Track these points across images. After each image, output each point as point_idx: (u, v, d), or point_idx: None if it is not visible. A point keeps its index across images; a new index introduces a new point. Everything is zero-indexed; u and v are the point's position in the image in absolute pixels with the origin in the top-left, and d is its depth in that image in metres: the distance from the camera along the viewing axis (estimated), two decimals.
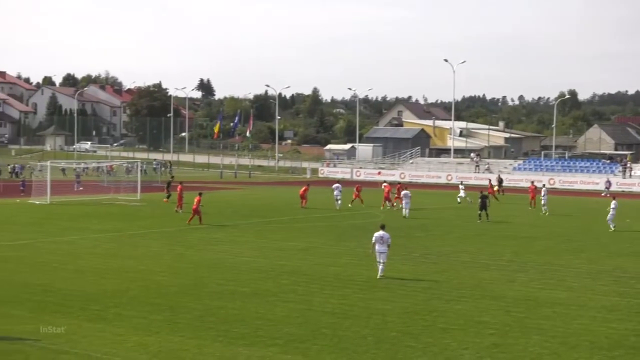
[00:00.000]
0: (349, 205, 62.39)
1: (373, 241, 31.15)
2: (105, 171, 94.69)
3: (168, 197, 63.67)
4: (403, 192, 58.07)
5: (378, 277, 30.74)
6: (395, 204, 61.96)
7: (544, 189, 63.63)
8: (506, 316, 24.67)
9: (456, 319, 24.14)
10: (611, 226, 49.19)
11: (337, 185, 63.37)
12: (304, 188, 62.60)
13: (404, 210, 56.45)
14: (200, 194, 50.73)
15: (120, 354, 19.85)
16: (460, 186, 68.69)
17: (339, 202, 61.24)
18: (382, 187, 65.39)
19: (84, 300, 25.90)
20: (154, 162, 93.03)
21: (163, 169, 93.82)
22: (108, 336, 21.46)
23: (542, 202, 61.10)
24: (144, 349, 20.28)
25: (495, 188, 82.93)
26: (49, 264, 33.27)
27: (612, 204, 49.68)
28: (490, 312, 25.24)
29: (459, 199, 66.87)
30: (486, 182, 77.51)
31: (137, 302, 25.87)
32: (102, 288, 28.09)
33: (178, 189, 57.25)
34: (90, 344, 20.69)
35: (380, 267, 30.91)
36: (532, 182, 69.06)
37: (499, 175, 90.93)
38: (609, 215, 49.66)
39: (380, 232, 30.94)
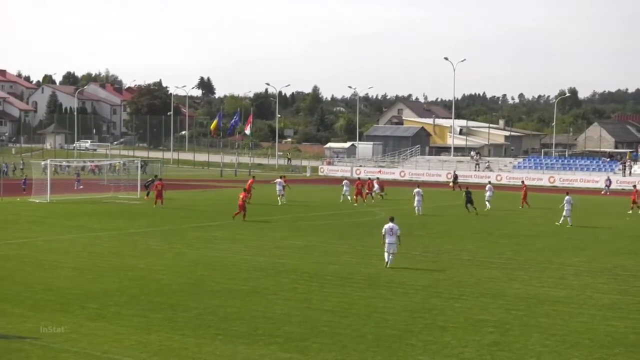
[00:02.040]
0: (354, 204, 62.76)
1: (383, 233, 32.75)
2: (89, 170, 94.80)
3: (147, 194, 64.40)
4: (415, 190, 57.97)
5: (387, 266, 32.53)
6: (367, 199, 64.98)
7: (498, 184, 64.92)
8: (506, 314, 24.67)
9: (456, 317, 24.15)
10: (566, 222, 50.20)
11: (346, 182, 67.73)
12: (250, 181, 63.47)
13: (416, 209, 56.44)
14: (244, 190, 53.19)
15: (120, 352, 19.86)
16: (488, 186, 66.68)
17: (348, 196, 64.37)
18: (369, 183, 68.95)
19: (84, 299, 25.91)
20: (135, 161, 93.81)
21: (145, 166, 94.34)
22: (108, 334, 21.46)
23: (487, 195, 62.51)
24: (143, 348, 20.28)
25: (450, 184, 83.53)
26: (49, 262, 33.28)
27: (566, 199, 50.76)
28: (490, 310, 25.24)
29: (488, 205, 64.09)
30: (487, 180, 77.43)
31: (137, 300, 25.87)
32: (102, 286, 28.10)
33: (157, 185, 60.12)
34: (90, 342, 20.69)
35: (390, 257, 32.64)
36: (523, 181, 69.06)
37: (454, 172, 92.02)
38: (565, 211, 50.57)
39: (390, 224, 32.56)
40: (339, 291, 27.91)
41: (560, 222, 50.50)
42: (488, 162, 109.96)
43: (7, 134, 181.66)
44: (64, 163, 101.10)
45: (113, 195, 66.33)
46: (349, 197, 65.27)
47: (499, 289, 28.90)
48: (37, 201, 61.59)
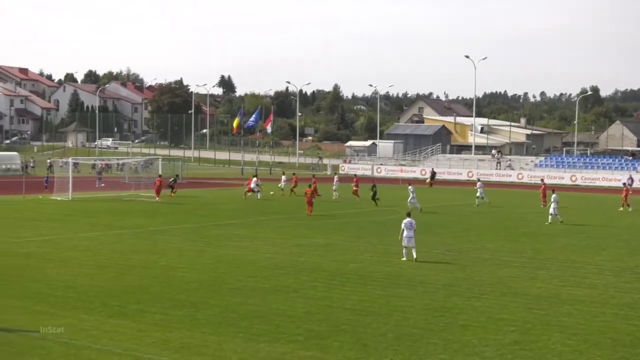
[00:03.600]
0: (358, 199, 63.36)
1: (402, 227, 34.18)
2: (98, 168, 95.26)
3: (173, 192, 66.02)
4: (409, 188, 58.59)
5: (412, 259, 33.77)
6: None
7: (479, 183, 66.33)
8: (527, 313, 24.57)
9: (477, 316, 24.08)
10: (556, 219, 50.18)
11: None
12: (313, 180, 63.90)
13: (412, 205, 56.51)
14: (310, 186, 55.73)
15: (142, 349, 19.91)
16: (479, 183, 67.10)
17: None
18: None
19: (105, 296, 26.01)
20: (142, 160, 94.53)
21: (151, 166, 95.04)
22: (129, 332, 21.53)
23: (478, 193, 63.80)
24: (165, 345, 20.33)
25: (427, 181, 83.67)
26: (70, 259, 33.43)
27: (553, 197, 50.93)
28: (511, 309, 25.15)
29: (477, 202, 64.55)
30: (508, 179, 77.16)
31: (158, 298, 25.95)
32: (123, 284, 28.20)
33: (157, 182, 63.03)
34: (111, 339, 20.77)
35: (413, 251, 34.03)
36: (543, 180, 68.86)
37: (433, 169, 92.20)
38: (551, 209, 50.65)
39: (408, 219, 34.16)
40: (360, 289, 27.88)
41: (550, 221, 50.14)
42: (509, 160, 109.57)
43: (29, 132, 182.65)
44: (70, 161, 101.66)
45: (134, 193, 66.52)
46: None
47: (520, 287, 28.79)
48: (59, 199, 61.87)
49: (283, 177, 73.07)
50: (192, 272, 30.73)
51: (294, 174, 71.74)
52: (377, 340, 21.13)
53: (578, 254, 37.65)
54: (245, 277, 29.94)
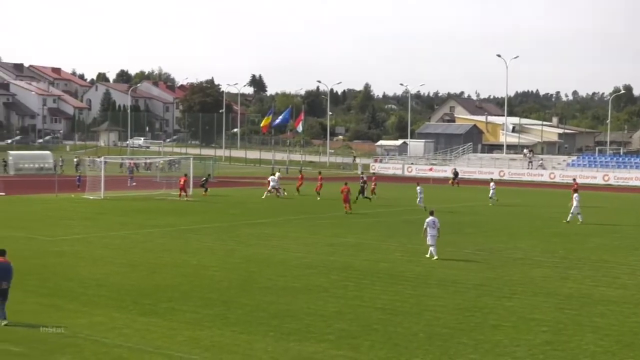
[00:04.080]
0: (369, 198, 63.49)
1: (425, 226, 34.48)
2: (127, 167, 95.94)
3: (205, 191, 66.41)
4: (417, 188, 58.71)
5: (433, 257, 34.11)
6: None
7: (492, 183, 65.54)
8: (559, 313, 24.42)
9: (508, 316, 23.96)
10: (577, 219, 49.74)
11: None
12: (370, 178, 65.59)
13: (420, 204, 57.06)
14: (346, 184, 55.94)
15: (173, 348, 19.99)
16: (492, 184, 65.98)
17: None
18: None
19: (136, 295, 26.14)
20: (168, 160, 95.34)
21: (177, 165, 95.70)
22: (160, 330, 21.63)
23: (491, 193, 63.44)
24: (195, 344, 20.40)
25: (450, 181, 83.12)
26: (102, 258, 33.63)
27: (575, 196, 50.43)
28: (542, 309, 25.00)
29: (491, 202, 63.72)
30: (540, 179, 76.59)
31: (189, 296, 26.04)
32: (154, 283, 28.34)
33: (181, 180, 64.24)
34: (142, 337, 20.87)
35: (432, 249, 34.33)
36: (574, 179, 68.40)
37: (455, 169, 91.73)
38: (573, 207, 50.12)
39: (432, 218, 34.39)
40: (391, 289, 27.85)
41: (569, 219, 49.72)
42: (541, 160, 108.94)
43: (61, 132, 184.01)
44: (100, 159, 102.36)
45: (165, 192, 66.80)
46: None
47: (552, 287, 28.62)
48: (91, 198, 62.26)
49: (274, 176, 71.86)
50: (222, 271, 30.82)
51: (319, 172, 71.67)
52: (408, 339, 21.09)
53: (610, 254, 37.37)
54: (276, 276, 29.98)
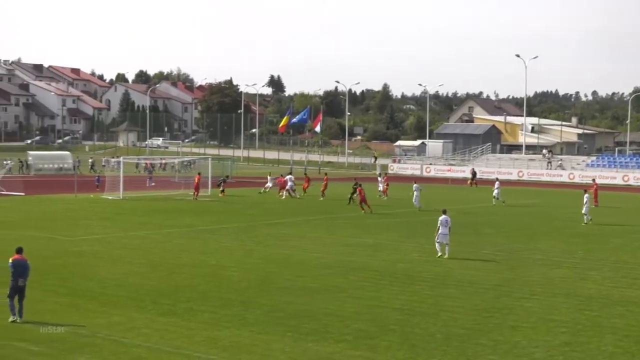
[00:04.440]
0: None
1: (438, 225, 35.08)
2: (144, 168, 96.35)
3: (222, 191, 66.67)
4: (414, 186, 59.08)
5: (444, 256, 34.51)
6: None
7: (497, 182, 65.21)
8: (578, 314, 24.34)
9: (527, 316, 23.91)
10: (585, 219, 49.59)
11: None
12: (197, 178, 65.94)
13: (415, 203, 57.55)
14: (360, 185, 56.72)
15: (191, 348, 20.05)
16: (497, 184, 65.37)
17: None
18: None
19: (155, 295, 26.23)
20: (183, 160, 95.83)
21: (191, 165, 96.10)
22: (179, 330, 21.70)
23: (495, 193, 63.14)
24: (214, 344, 20.45)
25: (469, 181, 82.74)
26: (121, 258, 33.76)
27: (585, 196, 50.29)
28: (562, 310, 24.93)
29: (494, 202, 63.37)
30: (559, 179, 76.14)
31: (208, 297, 26.11)
32: (173, 283, 28.42)
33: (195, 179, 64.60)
34: (161, 337, 20.94)
35: (446, 248, 34.77)
36: (594, 180, 67.98)
37: (473, 169, 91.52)
38: (584, 208, 49.93)
39: (444, 216, 34.97)
40: (408, 289, 27.83)
41: (585, 221, 49.46)
42: (560, 160, 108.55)
43: (81, 132, 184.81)
44: (115, 160, 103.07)
45: (184, 193, 66.96)
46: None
47: (571, 288, 28.53)
48: (110, 198, 62.47)
49: (291, 176, 72.02)
50: (241, 272, 30.88)
51: (325, 174, 71.63)
52: (425, 340, 21.08)
53: (630, 254, 37.21)
54: (294, 276, 30.01)
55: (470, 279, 29.91)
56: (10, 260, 22.75)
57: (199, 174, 67.40)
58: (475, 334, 21.74)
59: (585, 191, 52.10)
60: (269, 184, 71.22)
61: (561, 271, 32.20)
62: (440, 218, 35.06)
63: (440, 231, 34.94)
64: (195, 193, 63.67)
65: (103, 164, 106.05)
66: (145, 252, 35.41)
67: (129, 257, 34.14)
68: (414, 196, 58.18)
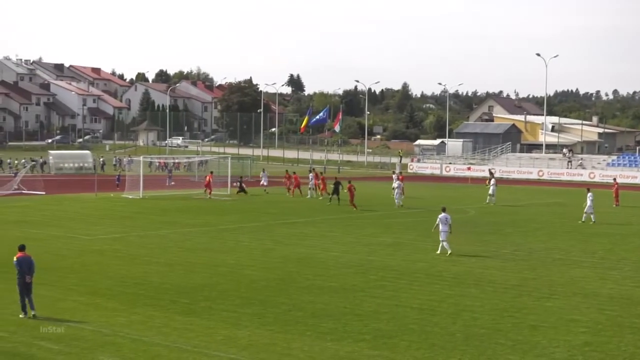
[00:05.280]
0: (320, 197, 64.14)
1: (437, 222, 35.57)
2: (156, 166, 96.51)
3: (240, 191, 67.05)
4: (396, 184, 59.56)
5: (446, 252, 34.95)
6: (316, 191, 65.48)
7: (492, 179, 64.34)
8: (599, 314, 24.23)
9: (547, 316, 23.81)
10: (589, 218, 49.37)
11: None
12: (208, 176, 66.60)
13: (396, 201, 58.16)
14: (350, 182, 57.85)
15: (210, 347, 20.09)
16: (492, 181, 64.35)
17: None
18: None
19: (174, 294, 26.31)
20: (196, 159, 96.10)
21: (204, 165, 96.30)
22: (198, 329, 21.75)
23: (490, 191, 62.28)
24: (233, 343, 20.48)
25: (487, 181, 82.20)
26: (141, 257, 33.88)
27: (589, 195, 49.99)
28: (582, 310, 24.82)
29: (488, 199, 62.36)
30: (579, 178, 75.60)
31: (227, 296, 26.16)
32: (192, 282, 28.49)
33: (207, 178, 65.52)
34: (180, 336, 21.00)
35: (445, 244, 35.18)
36: (615, 179, 67.43)
37: (490, 169, 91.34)
38: (586, 207, 49.70)
39: (444, 214, 35.36)
40: (428, 289, 27.79)
41: (584, 219, 49.27)
42: (581, 159, 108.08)
43: (101, 131, 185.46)
44: (124, 160, 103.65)
45: (203, 192, 67.08)
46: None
47: (592, 288, 28.40)
48: (130, 197, 62.69)
49: (262, 173, 73.30)
50: (260, 271, 30.91)
51: (294, 172, 71.44)
52: (445, 339, 21.03)
53: None
54: (313, 275, 30.02)
55: (490, 279, 29.83)
56: (15, 258, 23.10)
57: (211, 172, 68.25)
58: (494, 334, 21.68)
59: (588, 190, 51.83)
60: (264, 182, 72.49)
61: (581, 271, 32.06)
62: (440, 216, 35.48)
63: (440, 229, 35.39)
64: (209, 191, 64.12)
65: (114, 163, 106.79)
66: (164, 251, 35.51)
67: (149, 256, 34.25)
68: (395, 192, 58.65)
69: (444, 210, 35.96)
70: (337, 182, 60.65)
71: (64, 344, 20.17)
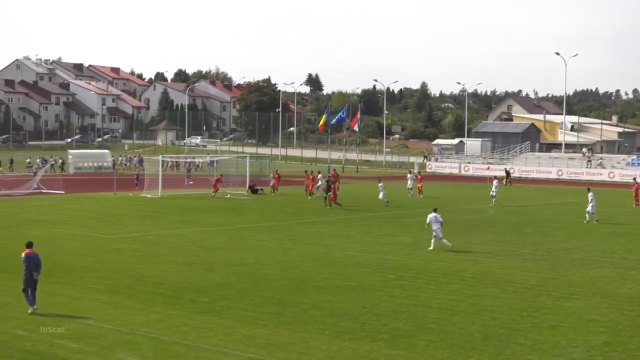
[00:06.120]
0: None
1: (428, 221, 36.69)
2: (169, 166, 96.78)
3: (253, 192, 67.55)
4: (379, 184, 60.07)
5: (448, 246, 35.99)
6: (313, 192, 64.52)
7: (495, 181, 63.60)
8: (618, 314, 24.12)
9: (566, 316, 23.72)
10: (592, 218, 49.09)
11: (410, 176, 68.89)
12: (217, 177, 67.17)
13: (383, 200, 58.21)
14: (333, 182, 58.27)
15: (229, 346, 20.12)
16: (495, 182, 63.46)
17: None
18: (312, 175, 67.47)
19: (193, 293, 26.36)
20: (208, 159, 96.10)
21: (213, 164, 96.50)
22: (217, 328, 21.78)
23: (493, 193, 61.58)
24: (251, 342, 20.50)
25: (504, 180, 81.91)
26: (159, 256, 33.97)
27: (590, 195, 49.65)
28: (601, 310, 24.72)
29: (493, 201, 61.33)
30: (599, 178, 75.14)
31: (246, 295, 26.19)
32: (211, 281, 28.54)
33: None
34: (199, 335, 21.04)
35: (439, 240, 36.11)
36: (635, 179, 66.96)
37: (506, 168, 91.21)
38: (589, 207, 49.32)
39: (434, 214, 36.41)
40: (446, 288, 27.73)
41: (588, 219, 48.90)
42: (600, 159, 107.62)
43: (120, 131, 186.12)
44: (134, 159, 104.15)
45: (222, 191, 67.19)
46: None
47: (611, 288, 28.27)
48: (149, 196, 62.85)
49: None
50: (278, 270, 30.94)
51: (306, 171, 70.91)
52: (463, 339, 20.99)
53: None
54: (332, 275, 30.02)
55: (509, 278, 29.75)
56: (23, 255, 23.41)
57: (221, 175, 68.64)
58: (514, 334, 21.61)
59: (589, 190, 51.49)
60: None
61: (601, 271, 31.93)
62: (430, 215, 36.56)
63: (433, 227, 36.29)
64: (214, 190, 64.61)
65: (125, 162, 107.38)
66: (183, 250, 35.60)
67: (167, 254, 34.34)
68: (380, 194, 58.76)
69: (435, 210, 36.90)
70: (329, 179, 61.09)
71: (83, 342, 20.25)
